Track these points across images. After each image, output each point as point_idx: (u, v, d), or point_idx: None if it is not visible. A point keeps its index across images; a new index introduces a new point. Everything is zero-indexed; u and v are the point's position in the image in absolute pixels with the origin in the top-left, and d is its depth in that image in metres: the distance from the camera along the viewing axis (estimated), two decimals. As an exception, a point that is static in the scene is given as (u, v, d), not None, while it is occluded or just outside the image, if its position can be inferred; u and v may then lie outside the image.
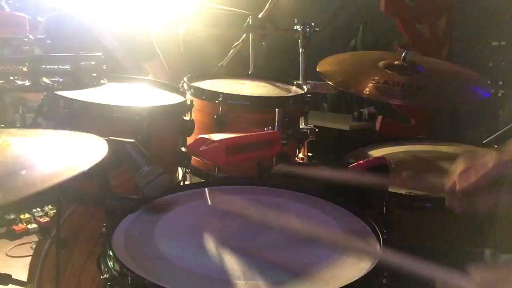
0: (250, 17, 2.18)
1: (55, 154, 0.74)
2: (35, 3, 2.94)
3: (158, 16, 2.71)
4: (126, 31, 2.29)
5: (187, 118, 1.41)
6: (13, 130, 0.86)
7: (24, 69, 1.18)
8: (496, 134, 1.94)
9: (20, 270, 1.47)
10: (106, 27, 2.27)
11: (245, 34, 2.38)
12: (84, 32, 2.21)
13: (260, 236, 0.88)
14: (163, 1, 2.73)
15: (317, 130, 1.72)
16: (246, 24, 2.20)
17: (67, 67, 1.22)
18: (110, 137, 0.93)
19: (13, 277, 1.24)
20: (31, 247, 2.64)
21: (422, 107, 3.10)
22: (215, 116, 1.46)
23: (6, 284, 1.22)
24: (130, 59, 2.30)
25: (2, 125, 2.09)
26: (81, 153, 0.77)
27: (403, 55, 1.67)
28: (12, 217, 3.14)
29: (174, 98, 1.46)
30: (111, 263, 0.78)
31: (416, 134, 3.25)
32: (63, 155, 0.73)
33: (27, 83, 1.16)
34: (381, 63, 1.70)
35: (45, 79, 1.19)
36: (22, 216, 3.19)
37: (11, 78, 1.16)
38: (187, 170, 1.52)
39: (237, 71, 2.09)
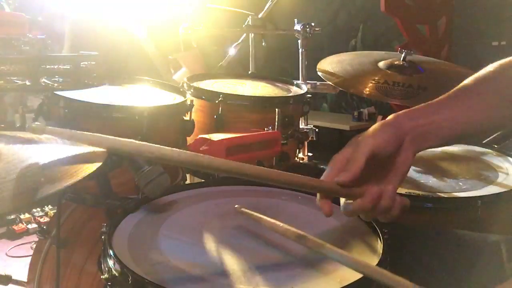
0: (250, 17, 2.18)
1: (55, 156, 0.73)
2: (35, 3, 2.94)
3: (158, 15, 2.71)
4: (156, 24, 2.28)
5: (187, 118, 1.41)
6: (12, 133, 0.85)
7: (24, 69, 1.18)
8: (496, 134, 1.93)
9: (20, 270, 1.47)
10: (138, 21, 2.26)
11: (245, 34, 2.38)
12: (117, 29, 2.21)
13: (261, 236, 0.88)
14: (163, 1, 2.73)
15: (317, 130, 1.72)
16: (246, 24, 2.20)
17: (67, 67, 1.22)
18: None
19: (13, 277, 1.24)
20: (31, 247, 2.65)
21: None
22: (215, 116, 1.46)
23: (6, 284, 1.22)
24: (159, 53, 2.29)
25: (2, 125, 2.09)
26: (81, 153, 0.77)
27: (403, 55, 1.67)
28: (12, 217, 3.14)
29: (174, 98, 1.46)
30: (111, 263, 0.78)
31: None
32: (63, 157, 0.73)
33: (27, 83, 1.17)
34: (381, 63, 1.70)
35: (45, 79, 1.19)
36: (22, 216, 3.19)
37: (11, 78, 1.16)
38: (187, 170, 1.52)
39: (237, 71, 2.09)
